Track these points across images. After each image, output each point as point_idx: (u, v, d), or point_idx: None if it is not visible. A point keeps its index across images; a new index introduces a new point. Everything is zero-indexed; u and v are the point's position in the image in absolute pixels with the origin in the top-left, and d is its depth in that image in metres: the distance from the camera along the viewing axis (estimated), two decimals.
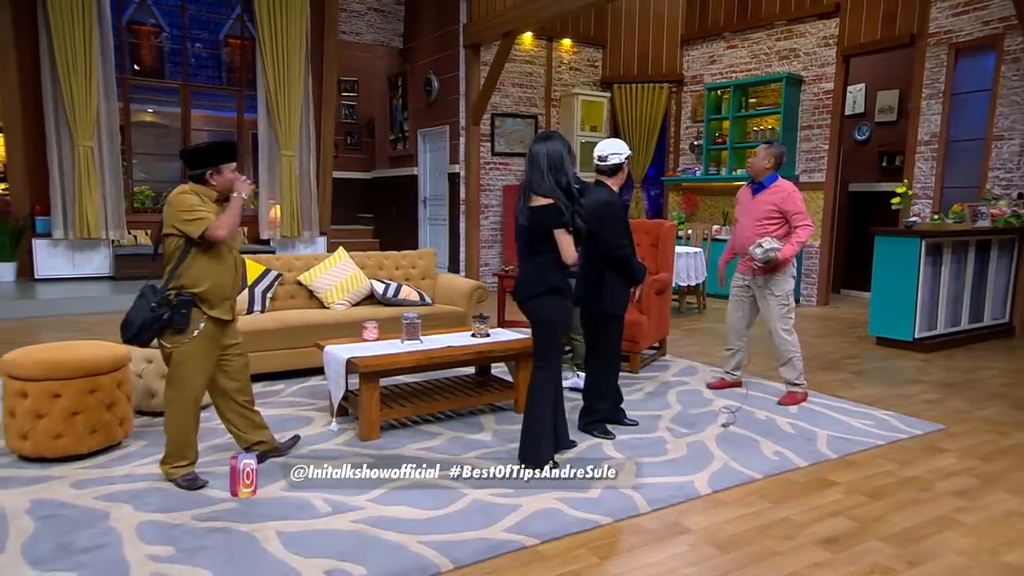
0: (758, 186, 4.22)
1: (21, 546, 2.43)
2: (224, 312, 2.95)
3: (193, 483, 2.91)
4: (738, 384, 4.52)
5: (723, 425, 3.83)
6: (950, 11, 6.95)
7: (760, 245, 4.07)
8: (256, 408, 3.24)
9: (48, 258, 8.12)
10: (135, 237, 8.64)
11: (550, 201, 3.00)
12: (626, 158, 3.59)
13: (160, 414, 3.83)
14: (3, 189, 8.19)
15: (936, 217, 6.36)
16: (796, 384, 4.25)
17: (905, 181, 6.89)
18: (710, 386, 4.53)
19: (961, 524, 2.74)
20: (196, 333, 2.86)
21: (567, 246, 3.04)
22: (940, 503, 2.92)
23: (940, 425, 3.91)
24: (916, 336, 5.79)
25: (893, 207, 6.49)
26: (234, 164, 2.98)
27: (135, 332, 2.80)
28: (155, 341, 2.88)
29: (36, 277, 8.05)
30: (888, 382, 4.90)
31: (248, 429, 3.17)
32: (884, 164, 8.84)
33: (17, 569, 2.29)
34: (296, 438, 3.40)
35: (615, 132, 9.91)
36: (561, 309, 3.15)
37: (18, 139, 7.90)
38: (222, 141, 3.02)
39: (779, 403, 4.22)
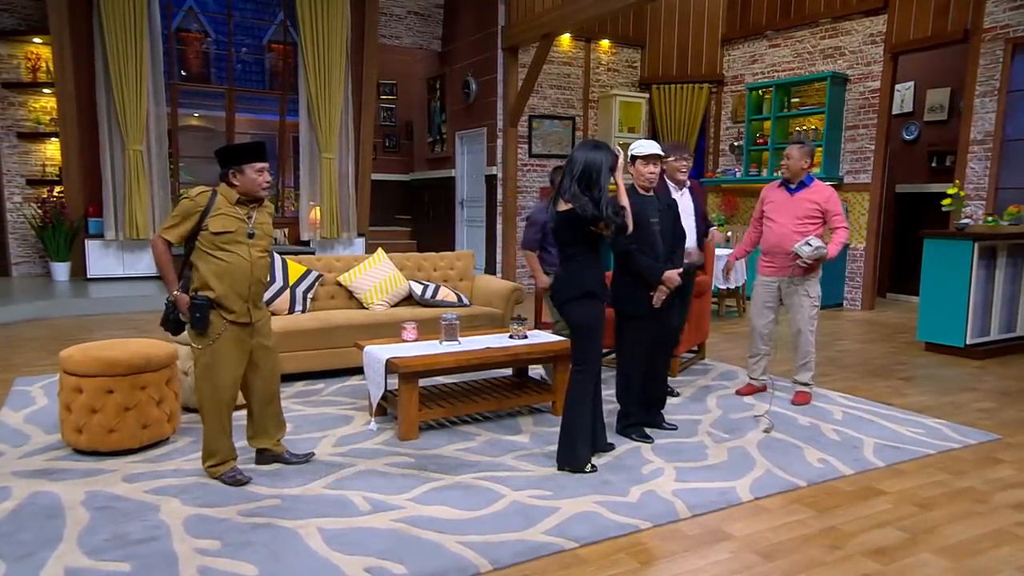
0: (798, 185, 4.17)
1: (77, 536, 2.52)
2: (241, 315, 2.93)
3: (237, 480, 2.97)
4: (763, 388, 4.47)
5: (765, 431, 3.75)
6: (1007, 5, 6.70)
7: (808, 243, 4.01)
8: (279, 413, 3.19)
9: (100, 258, 8.41)
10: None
11: (570, 206, 3.01)
12: (632, 157, 3.55)
13: None
14: (59, 192, 8.51)
15: (990, 219, 6.13)
16: (808, 384, 4.30)
17: (956, 182, 6.66)
18: (739, 392, 4.46)
19: (1021, 539, 2.63)
20: (218, 336, 2.89)
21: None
22: (998, 516, 2.81)
23: (996, 435, 3.77)
24: (968, 342, 5.59)
25: (944, 209, 6.27)
26: (260, 164, 2.92)
27: (161, 321, 2.98)
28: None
29: (89, 276, 8.35)
30: (939, 389, 4.74)
31: (259, 431, 3.16)
32: (934, 164, 8.56)
33: (74, 558, 2.37)
34: (311, 454, 3.26)
35: (653, 133, 9.82)
36: (596, 312, 3.13)
37: (73, 144, 8.21)
38: (247, 143, 3.00)
39: (793, 403, 4.24)
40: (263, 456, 3.19)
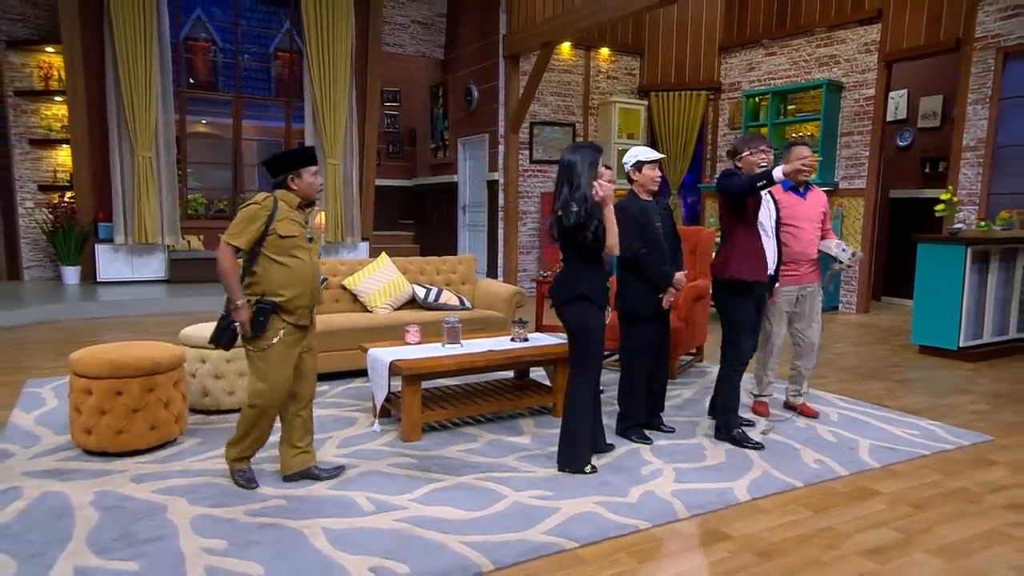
0: (806, 188, 4.00)
1: (87, 535, 2.56)
2: (303, 318, 2.97)
3: (249, 481, 3.00)
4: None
5: (763, 432, 3.81)
6: (998, 15, 6.78)
7: (845, 248, 3.93)
8: (310, 417, 3.15)
9: (109, 262, 8.51)
10: (189, 243, 8.99)
11: (559, 212, 3.08)
12: (633, 165, 3.58)
13: (213, 412, 4.00)
14: (69, 197, 8.60)
15: (983, 224, 6.19)
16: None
17: (949, 187, 6.72)
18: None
19: (1014, 539, 2.67)
20: (275, 340, 2.90)
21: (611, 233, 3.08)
22: (991, 516, 2.86)
23: (989, 437, 3.82)
24: (961, 345, 5.63)
25: (937, 214, 6.33)
26: (314, 168, 3.01)
27: (212, 338, 2.94)
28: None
29: (98, 280, 8.44)
30: (933, 391, 4.79)
31: (285, 438, 3.11)
32: (927, 170, 8.63)
33: (83, 557, 2.41)
34: (341, 468, 3.19)
35: (652, 140, 9.90)
36: (590, 315, 3.17)
37: (84, 150, 8.31)
38: (300, 148, 3.09)
39: (805, 413, 4.11)
40: (292, 477, 3.08)
